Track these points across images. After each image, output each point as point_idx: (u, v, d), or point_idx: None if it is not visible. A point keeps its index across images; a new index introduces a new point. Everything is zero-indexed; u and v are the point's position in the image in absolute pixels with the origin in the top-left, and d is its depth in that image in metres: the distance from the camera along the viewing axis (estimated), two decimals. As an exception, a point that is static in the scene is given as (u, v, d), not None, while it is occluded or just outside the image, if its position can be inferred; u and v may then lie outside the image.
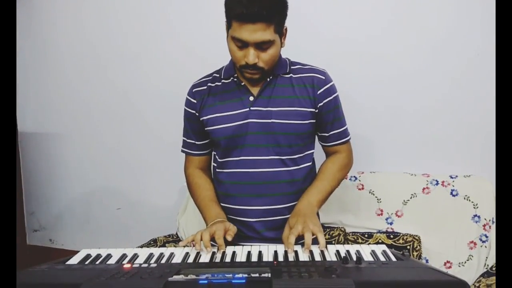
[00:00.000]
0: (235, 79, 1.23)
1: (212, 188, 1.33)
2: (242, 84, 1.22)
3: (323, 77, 1.22)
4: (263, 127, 1.19)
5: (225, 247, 1.03)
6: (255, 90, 1.21)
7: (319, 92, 1.20)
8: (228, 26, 1.11)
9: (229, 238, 1.07)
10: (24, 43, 2.14)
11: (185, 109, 1.31)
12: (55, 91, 2.19)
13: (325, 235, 1.45)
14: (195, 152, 1.35)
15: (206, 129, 1.26)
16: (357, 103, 1.70)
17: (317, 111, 1.21)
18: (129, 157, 2.15)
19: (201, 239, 1.03)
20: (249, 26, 1.05)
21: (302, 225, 1.06)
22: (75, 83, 2.15)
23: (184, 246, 1.05)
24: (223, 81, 1.26)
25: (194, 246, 1.03)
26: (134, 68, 2.04)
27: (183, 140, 1.36)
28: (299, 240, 1.03)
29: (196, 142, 1.33)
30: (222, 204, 1.29)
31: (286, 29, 1.16)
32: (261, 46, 1.09)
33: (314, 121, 1.23)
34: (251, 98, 1.20)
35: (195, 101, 1.27)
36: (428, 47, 1.67)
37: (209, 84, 1.27)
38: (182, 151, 1.37)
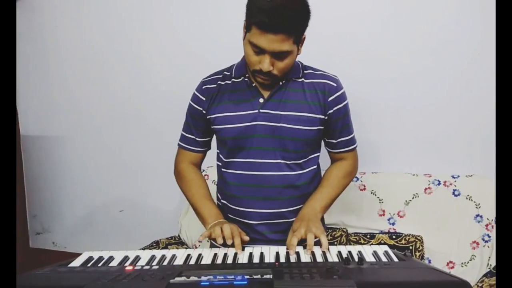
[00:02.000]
0: (246, 79, 1.21)
1: (206, 186, 1.32)
2: (253, 85, 1.20)
3: (335, 84, 1.20)
4: (271, 131, 1.18)
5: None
6: (266, 92, 1.19)
7: (330, 99, 1.19)
8: (247, 29, 1.09)
9: (247, 238, 1.10)
10: (26, 47, 2.15)
11: (190, 104, 1.29)
12: (57, 94, 2.20)
13: (327, 236, 1.45)
14: (193, 148, 1.33)
15: (213, 127, 1.25)
16: (358, 104, 1.68)
17: (326, 118, 1.20)
18: (131, 159, 2.15)
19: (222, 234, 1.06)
20: (269, 35, 1.03)
21: (305, 228, 1.06)
22: (77, 86, 2.15)
23: (208, 240, 1.05)
24: (233, 79, 1.23)
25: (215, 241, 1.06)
26: (136, 71, 2.04)
27: (182, 134, 1.34)
28: (302, 242, 1.03)
29: (197, 139, 1.31)
30: (226, 204, 1.29)
31: (304, 37, 1.14)
32: (278, 55, 1.08)
33: (322, 127, 1.22)
34: (261, 100, 1.19)
35: (203, 98, 1.25)
36: (429, 47, 1.67)
37: (219, 82, 1.25)
38: (179, 145, 1.35)
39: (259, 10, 1.02)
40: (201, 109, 1.26)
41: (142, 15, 1.97)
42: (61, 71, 2.16)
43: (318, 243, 1.02)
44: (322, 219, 1.30)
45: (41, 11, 2.12)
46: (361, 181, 1.70)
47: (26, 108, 2.25)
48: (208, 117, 1.25)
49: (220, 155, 1.30)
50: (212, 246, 1.22)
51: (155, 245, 1.72)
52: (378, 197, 1.68)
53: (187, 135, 1.33)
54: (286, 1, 1.02)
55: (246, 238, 1.10)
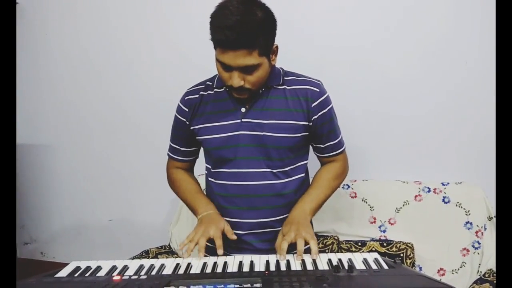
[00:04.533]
0: (228, 89, 1.21)
1: (195, 182, 1.34)
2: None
3: (318, 90, 1.19)
4: (254, 140, 1.18)
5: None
6: (247, 101, 1.19)
7: (313, 105, 1.18)
8: (214, 47, 1.09)
9: (234, 237, 1.13)
10: (17, 55, 2.13)
11: (175, 115, 1.30)
12: (46, 102, 2.18)
13: (318, 243, 1.45)
14: (177, 158, 1.35)
15: (197, 138, 1.25)
16: (349, 111, 1.70)
17: (310, 124, 1.19)
18: (121, 168, 2.14)
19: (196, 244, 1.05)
20: (230, 52, 1.03)
21: (295, 232, 1.05)
22: (67, 94, 2.14)
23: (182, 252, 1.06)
24: (215, 90, 1.24)
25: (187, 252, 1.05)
26: (128, 79, 2.03)
27: (170, 144, 1.36)
28: (292, 247, 1.03)
29: (180, 148, 1.32)
30: None
31: (277, 47, 1.14)
32: (246, 69, 1.07)
33: (307, 134, 1.21)
34: (243, 110, 1.18)
35: (186, 109, 1.26)
36: (420, 55, 1.68)
37: (201, 92, 1.25)
38: (167, 154, 1.38)
39: (216, 28, 1.03)
40: (184, 119, 1.26)
41: (135, 22, 1.97)
42: (51, 79, 2.15)
43: (308, 250, 1.02)
44: (311, 225, 1.29)
45: (32, 19, 2.10)
46: (352, 188, 1.70)
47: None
48: (191, 128, 1.25)
49: (207, 165, 1.30)
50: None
51: (145, 254, 1.70)
52: (369, 205, 1.68)
53: (172, 144, 1.35)
54: (243, 16, 1.00)
55: (233, 237, 1.14)
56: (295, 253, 1.00)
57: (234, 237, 1.14)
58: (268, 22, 1.07)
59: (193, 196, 1.28)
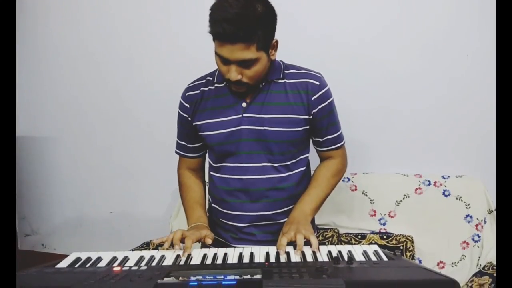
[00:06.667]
0: (227, 83, 1.20)
1: (199, 189, 1.33)
2: None
3: (318, 83, 1.18)
4: (255, 134, 1.17)
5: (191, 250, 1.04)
6: (248, 96, 1.19)
7: (313, 98, 1.17)
8: (213, 40, 1.08)
9: (208, 242, 1.12)
10: (17, 47, 2.12)
11: (178, 112, 1.29)
12: (47, 94, 2.17)
13: (318, 236, 1.45)
14: (186, 154, 1.34)
15: (200, 134, 1.25)
16: (350, 105, 1.70)
17: (311, 117, 1.19)
18: (122, 160, 2.14)
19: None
20: (227, 46, 1.03)
21: (294, 231, 1.05)
22: (67, 86, 2.13)
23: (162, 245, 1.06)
24: (216, 85, 1.23)
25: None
26: (128, 71, 2.03)
27: (177, 141, 1.35)
28: (292, 244, 1.03)
29: (188, 145, 1.32)
30: (216, 207, 1.29)
31: (277, 42, 1.13)
32: (244, 64, 1.06)
33: (307, 127, 1.21)
34: (244, 104, 1.18)
35: (188, 105, 1.25)
36: (421, 49, 1.67)
37: (202, 88, 1.25)
38: (176, 152, 1.37)
39: (215, 21, 1.02)
40: (186, 116, 1.26)
41: (134, 14, 1.96)
42: (52, 71, 2.14)
43: (308, 244, 1.02)
44: (313, 220, 1.29)
45: (32, 11, 2.09)
46: (352, 181, 1.70)
47: (16, 108, 2.22)
48: (194, 123, 1.25)
49: (209, 160, 1.30)
50: (202, 246, 1.21)
51: (145, 246, 1.71)
52: (369, 198, 1.68)
53: (180, 141, 1.34)
54: (242, 10, 1.00)
55: (209, 241, 1.12)
56: (296, 245, 1.01)
57: (209, 242, 1.13)
58: (267, 16, 1.06)
59: (190, 207, 1.28)
